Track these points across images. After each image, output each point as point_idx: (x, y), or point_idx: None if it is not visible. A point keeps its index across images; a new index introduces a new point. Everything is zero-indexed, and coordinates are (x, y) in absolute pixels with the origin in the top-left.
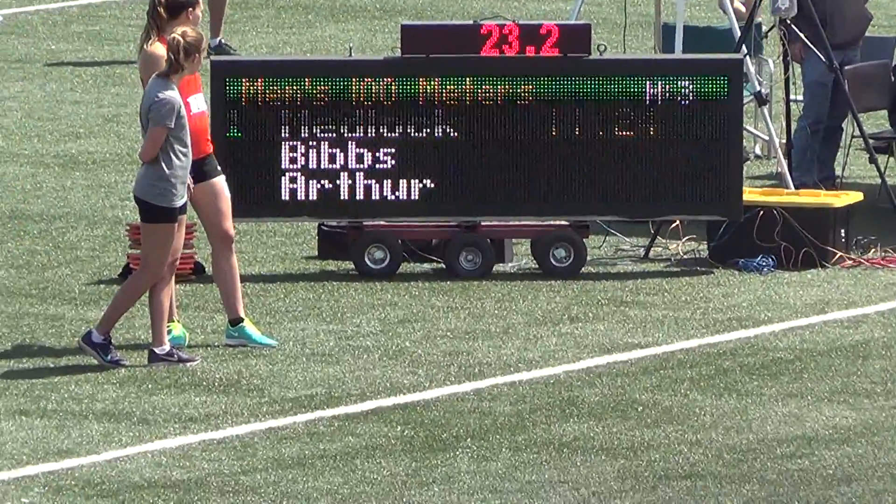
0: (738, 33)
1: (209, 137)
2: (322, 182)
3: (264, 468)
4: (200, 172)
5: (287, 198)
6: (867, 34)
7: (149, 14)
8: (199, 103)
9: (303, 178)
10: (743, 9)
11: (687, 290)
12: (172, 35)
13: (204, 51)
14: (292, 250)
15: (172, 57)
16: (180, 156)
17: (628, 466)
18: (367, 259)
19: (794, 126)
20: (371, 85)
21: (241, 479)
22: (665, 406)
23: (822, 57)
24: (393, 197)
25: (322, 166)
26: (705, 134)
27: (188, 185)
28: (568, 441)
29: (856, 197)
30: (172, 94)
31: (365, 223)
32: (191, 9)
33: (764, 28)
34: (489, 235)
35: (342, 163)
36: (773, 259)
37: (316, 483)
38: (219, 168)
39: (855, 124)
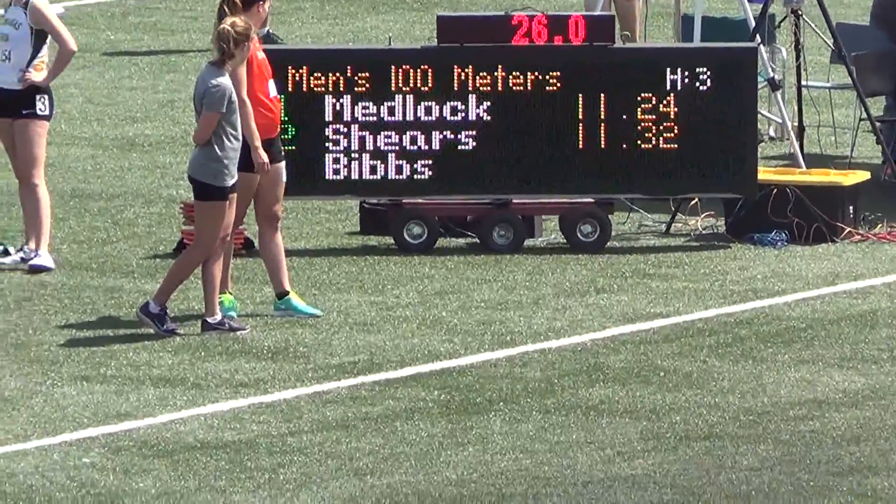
0: (753, 23)
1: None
2: (363, 163)
3: (310, 430)
4: (269, 151)
5: (331, 177)
6: (842, 21)
7: (223, 3)
8: (273, 88)
9: (345, 159)
10: None
11: (706, 263)
12: (223, 26)
13: (252, 40)
14: (336, 226)
15: (223, 46)
16: (231, 139)
17: (650, 428)
18: (405, 234)
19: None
20: (409, 72)
21: (289, 440)
22: (685, 372)
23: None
24: (430, 176)
25: (364, 148)
26: (722, 117)
27: (265, 163)
28: (594, 404)
29: (863, 176)
30: (224, 81)
31: (404, 201)
32: (262, 2)
33: (777, 18)
34: (520, 212)
35: (382, 145)
36: (786, 234)
37: (358, 444)
38: (283, 152)
39: (862, 108)
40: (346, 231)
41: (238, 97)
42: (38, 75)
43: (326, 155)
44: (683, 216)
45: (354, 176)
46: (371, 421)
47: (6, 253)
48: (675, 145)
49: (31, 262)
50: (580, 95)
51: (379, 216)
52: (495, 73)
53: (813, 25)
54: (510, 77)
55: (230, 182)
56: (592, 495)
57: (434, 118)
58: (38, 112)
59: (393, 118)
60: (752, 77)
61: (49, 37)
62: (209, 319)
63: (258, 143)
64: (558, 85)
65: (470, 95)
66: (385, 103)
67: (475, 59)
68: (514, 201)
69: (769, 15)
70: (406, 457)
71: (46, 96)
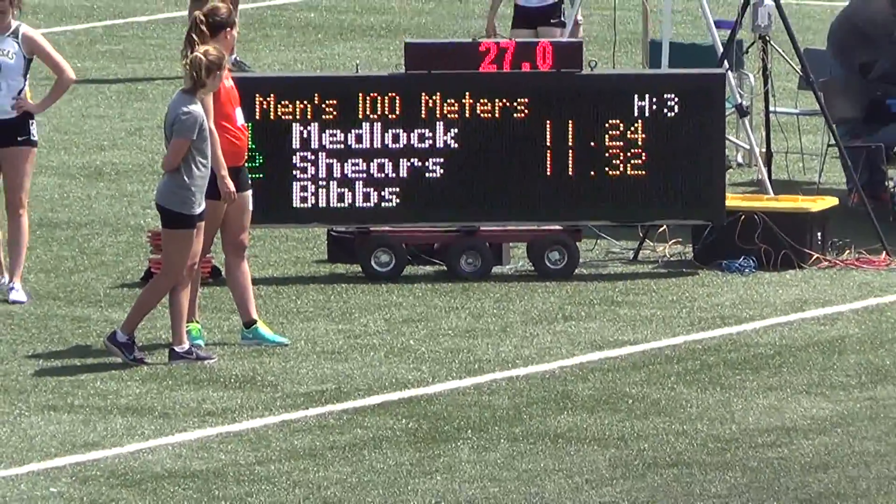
0: (721, 49)
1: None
2: (331, 190)
3: (278, 459)
4: (236, 180)
5: (299, 205)
6: (810, 47)
7: (190, 30)
8: (241, 116)
9: (313, 186)
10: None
11: (673, 290)
12: (195, 54)
13: (224, 68)
14: (303, 254)
15: (195, 74)
16: (200, 166)
17: (619, 455)
18: (373, 262)
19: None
20: (377, 100)
21: (256, 469)
22: (653, 399)
23: (797, 70)
24: (397, 204)
25: (332, 175)
26: (690, 144)
27: (232, 192)
28: (562, 432)
29: (831, 202)
30: (196, 109)
31: (371, 229)
32: (229, 29)
33: (745, 44)
34: (488, 239)
35: (350, 172)
36: (753, 260)
37: (326, 473)
38: (249, 181)
39: (830, 133)
40: (313, 259)
41: None
42: (32, 103)
43: (294, 183)
44: (651, 243)
45: (322, 204)
46: (339, 449)
47: None
48: (643, 172)
49: (11, 297)
50: (548, 122)
51: (346, 244)
52: (463, 100)
53: (781, 51)
54: (478, 104)
55: (198, 210)
56: None
57: (402, 145)
58: (32, 138)
59: (360, 146)
60: (720, 103)
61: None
62: (177, 348)
63: (225, 171)
64: (526, 112)
65: (437, 123)
66: (353, 131)
67: (443, 86)
68: (482, 229)
69: (737, 41)
70: (374, 485)
71: (35, 123)
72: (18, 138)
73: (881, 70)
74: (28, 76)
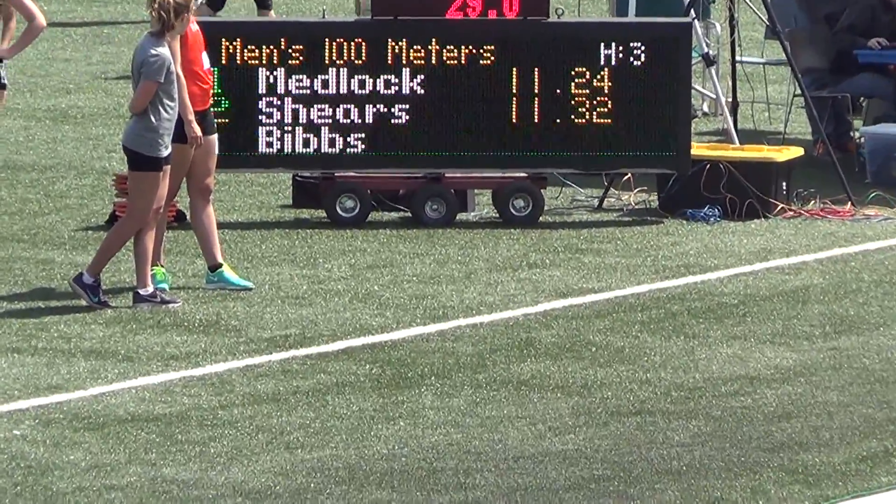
0: None
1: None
2: (296, 136)
3: (241, 403)
4: (202, 123)
5: (264, 150)
6: None
7: None
8: (206, 61)
9: (278, 132)
10: None
11: (638, 238)
12: None
13: (192, 11)
14: (268, 199)
15: (164, 16)
16: (168, 109)
17: (582, 403)
18: (338, 208)
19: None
20: (343, 45)
21: (220, 413)
22: (617, 347)
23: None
24: (363, 150)
25: (298, 121)
26: (656, 93)
27: (198, 136)
28: (526, 379)
29: (797, 152)
30: (164, 51)
31: (336, 174)
32: None
33: None
34: (453, 186)
35: (316, 118)
36: (718, 210)
37: (289, 418)
38: (215, 125)
39: (796, 83)
40: (278, 204)
41: None
42: (2, 48)
43: (259, 128)
44: (616, 191)
45: (287, 149)
46: (302, 395)
47: None
48: (609, 120)
49: None
50: (514, 69)
51: (311, 189)
52: (429, 47)
53: (747, 1)
54: (444, 51)
55: (165, 153)
56: (523, 470)
57: (367, 91)
58: (2, 81)
59: (326, 91)
60: (687, 52)
61: None
62: (141, 291)
63: (191, 116)
64: (492, 59)
65: (403, 69)
66: (319, 76)
67: (409, 32)
68: (447, 175)
69: None
70: (337, 431)
71: (4, 67)
72: None
73: (847, 21)
74: None
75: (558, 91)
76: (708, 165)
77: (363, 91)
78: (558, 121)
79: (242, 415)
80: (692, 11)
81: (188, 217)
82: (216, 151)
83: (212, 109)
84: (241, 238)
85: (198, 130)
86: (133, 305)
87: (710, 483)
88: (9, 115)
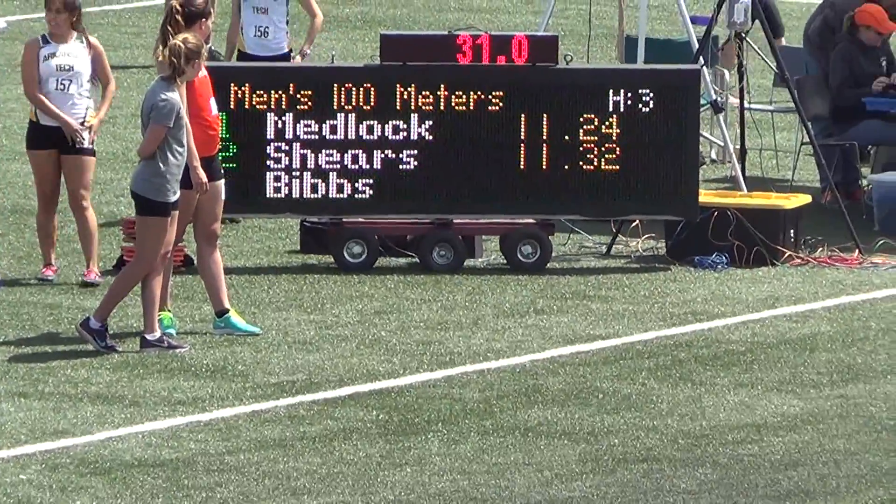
0: (697, 45)
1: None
2: (304, 181)
3: (248, 449)
4: (208, 169)
5: (272, 195)
6: (785, 44)
7: (165, 21)
8: (214, 106)
9: (286, 177)
10: None
11: (646, 285)
12: (174, 42)
13: (203, 57)
14: (276, 245)
15: (175, 62)
16: (177, 154)
17: (589, 450)
18: (345, 253)
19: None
20: (352, 91)
21: (226, 458)
22: (624, 394)
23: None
24: (371, 195)
25: (306, 166)
26: (664, 139)
27: (204, 182)
28: (533, 426)
29: (804, 199)
30: (174, 96)
31: (344, 220)
32: (204, 19)
33: (720, 40)
34: (461, 232)
35: (324, 163)
36: (726, 257)
37: (296, 463)
38: (221, 171)
39: (804, 131)
40: (286, 249)
41: None
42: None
43: (267, 173)
44: (624, 238)
45: (295, 194)
46: (309, 440)
47: None
48: (617, 167)
49: None
50: (522, 115)
51: (319, 235)
52: (438, 92)
53: (756, 48)
54: (452, 96)
55: (173, 198)
56: None
57: (376, 137)
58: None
59: (335, 136)
60: (695, 99)
61: None
62: (148, 336)
63: (197, 162)
64: (501, 105)
65: (412, 114)
66: (327, 121)
67: (418, 77)
68: (455, 221)
69: (713, 37)
70: (343, 477)
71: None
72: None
73: (838, 79)
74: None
75: (567, 137)
76: (716, 212)
77: (371, 136)
78: (566, 167)
79: (249, 460)
80: (701, 58)
81: (195, 262)
82: (223, 197)
83: (219, 155)
84: (249, 283)
85: (203, 176)
86: (140, 350)
87: None
88: (17, 160)
